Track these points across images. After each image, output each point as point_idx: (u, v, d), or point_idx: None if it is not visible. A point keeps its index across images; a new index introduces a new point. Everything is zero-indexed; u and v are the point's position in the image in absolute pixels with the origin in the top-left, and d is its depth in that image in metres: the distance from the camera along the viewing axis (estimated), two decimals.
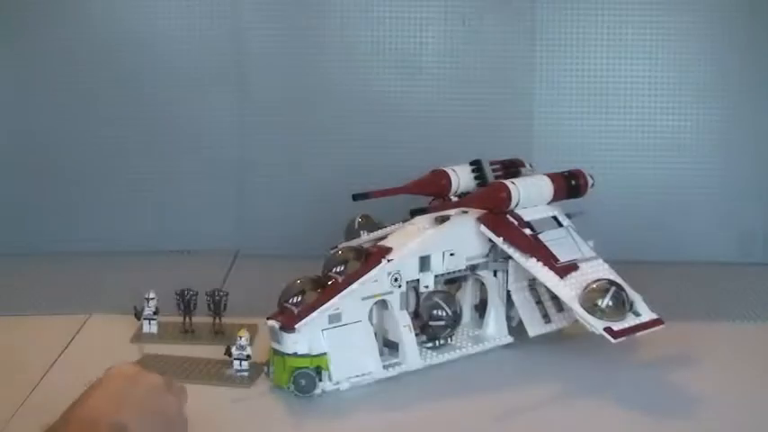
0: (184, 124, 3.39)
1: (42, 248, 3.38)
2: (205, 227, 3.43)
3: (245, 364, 2.37)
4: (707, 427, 2.20)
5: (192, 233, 3.43)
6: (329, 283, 2.30)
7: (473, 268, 2.53)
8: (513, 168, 2.74)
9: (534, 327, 2.55)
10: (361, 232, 2.67)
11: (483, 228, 2.48)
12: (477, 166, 2.70)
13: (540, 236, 2.50)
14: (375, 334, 2.38)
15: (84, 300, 2.94)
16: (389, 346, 2.42)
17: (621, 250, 3.29)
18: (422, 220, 2.53)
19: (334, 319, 2.29)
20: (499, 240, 2.47)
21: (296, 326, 2.24)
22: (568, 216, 2.63)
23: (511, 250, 2.46)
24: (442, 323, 2.45)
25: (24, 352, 2.57)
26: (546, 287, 2.47)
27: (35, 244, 3.39)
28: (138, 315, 2.64)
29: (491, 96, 3.37)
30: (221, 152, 3.40)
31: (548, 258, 2.45)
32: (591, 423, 2.23)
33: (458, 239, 2.48)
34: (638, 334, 2.37)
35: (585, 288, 2.38)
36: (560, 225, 2.57)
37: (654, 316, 2.41)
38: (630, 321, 2.36)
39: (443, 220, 2.52)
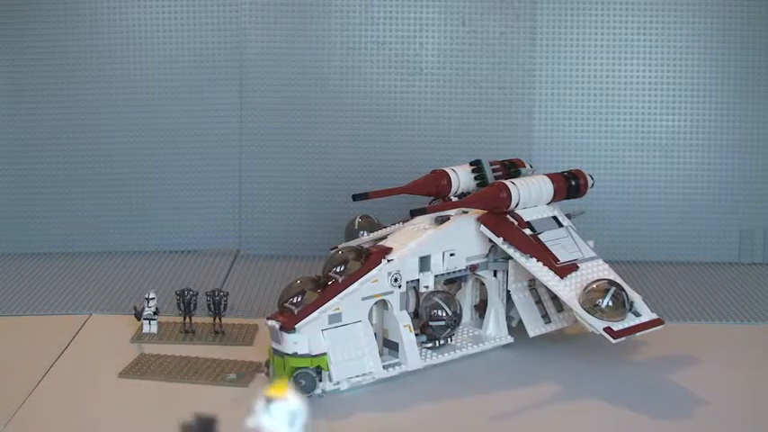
0: (185, 126, 3.39)
1: (42, 248, 3.38)
2: (205, 227, 3.43)
3: None
4: (707, 427, 2.20)
5: (192, 233, 3.43)
6: (329, 283, 2.30)
7: (473, 268, 2.53)
8: (513, 168, 2.74)
9: (534, 327, 2.55)
10: (361, 232, 2.67)
11: (483, 228, 2.48)
12: (477, 166, 2.70)
13: (540, 236, 2.50)
14: (375, 334, 2.37)
15: (84, 300, 2.94)
16: (389, 346, 2.42)
17: (621, 250, 3.33)
18: (422, 220, 2.52)
19: (335, 319, 2.29)
20: (499, 240, 2.47)
21: (296, 326, 2.24)
22: (568, 216, 2.63)
23: (511, 250, 2.46)
24: (442, 323, 2.45)
25: (24, 352, 2.57)
26: (546, 287, 2.47)
27: (35, 244, 3.39)
28: (138, 315, 2.64)
29: (491, 96, 3.37)
30: (222, 153, 3.40)
31: (548, 258, 2.45)
32: (591, 423, 2.23)
33: (458, 239, 2.48)
34: (638, 334, 2.37)
35: (585, 288, 2.38)
36: (560, 225, 2.57)
37: (654, 316, 2.41)
38: (630, 321, 2.36)
39: (443, 220, 2.52)
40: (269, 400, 1.16)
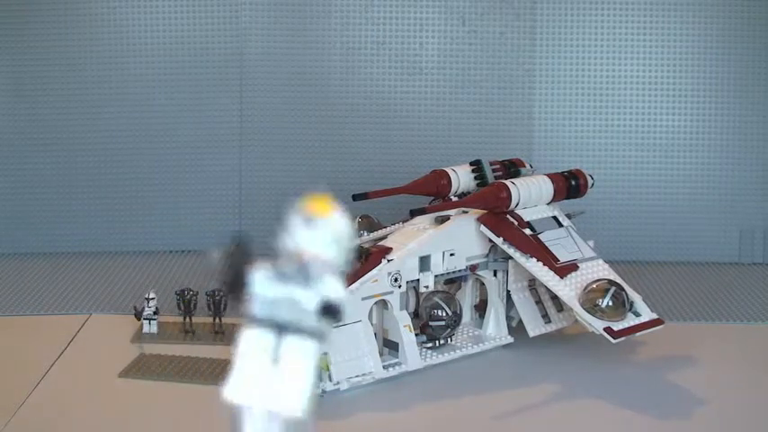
0: (185, 126, 3.39)
1: (43, 248, 3.38)
2: (205, 227, 3.43)
3: None
4: (707, 427, 2.20)
5: (192, 233, 3.42)
6: None
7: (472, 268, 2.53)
8: (513, 168, 2.74)
9: (534, 327, 2.55)
10: (361, 232, 2.67)
11: (483, 228, 2.48)
12: (477, 166, 2.70)
13: (540, 236, 2.50)
14: (375, 334, 2.37)
15: (84, 300, 2.94)
16: (389, 346, 2.42)
17: (621, 250, 3.32)
18: (422, 220, 2.52)
19: None
20: (499, 240, 2.47)
21: None
22: (568, 216, 2.63)
23: (511, 250, 2.46)
24: (442, 323, 2.45)
25: (24, 352, 2.57)
26: (546, 287, 2.47)
27: (35, 244, 3.39)
28: (138, 315, 2.64)
29: (491, 96, 3.37)
30: (222, 153, 3.40)
31: (548, 258, 2.45)
32: (591, 423, 2.23)
33: (458, 239, 2.48)
34: (638, 334, 2.37)
35: (585, 288, 2.38)
36: (560, 225, 2.57)
37: (654, 316, 2.41)
38: (630, 321, 2.36)
39: (443, 220, 2.52)
40: (308, 220, 0.96)
